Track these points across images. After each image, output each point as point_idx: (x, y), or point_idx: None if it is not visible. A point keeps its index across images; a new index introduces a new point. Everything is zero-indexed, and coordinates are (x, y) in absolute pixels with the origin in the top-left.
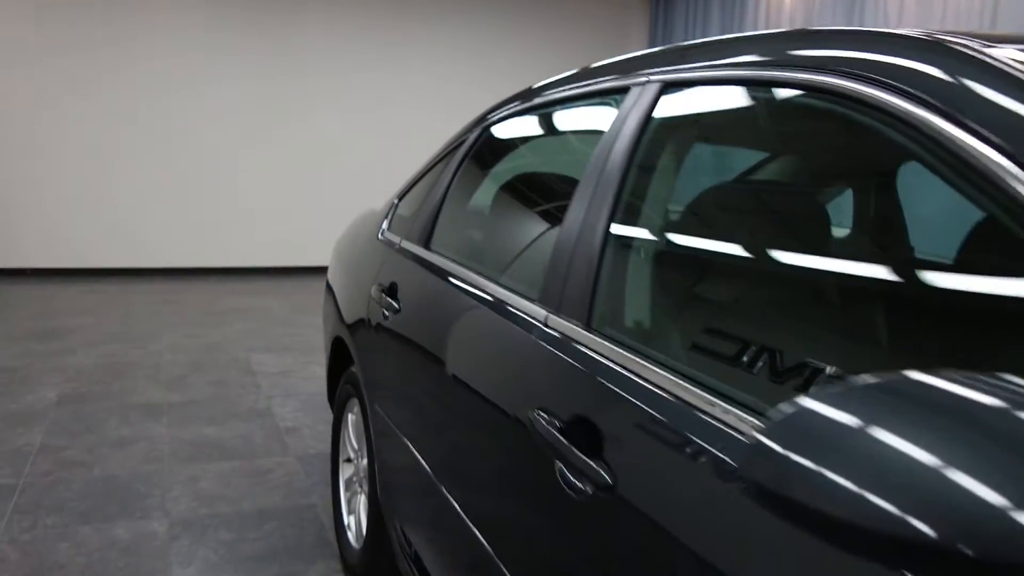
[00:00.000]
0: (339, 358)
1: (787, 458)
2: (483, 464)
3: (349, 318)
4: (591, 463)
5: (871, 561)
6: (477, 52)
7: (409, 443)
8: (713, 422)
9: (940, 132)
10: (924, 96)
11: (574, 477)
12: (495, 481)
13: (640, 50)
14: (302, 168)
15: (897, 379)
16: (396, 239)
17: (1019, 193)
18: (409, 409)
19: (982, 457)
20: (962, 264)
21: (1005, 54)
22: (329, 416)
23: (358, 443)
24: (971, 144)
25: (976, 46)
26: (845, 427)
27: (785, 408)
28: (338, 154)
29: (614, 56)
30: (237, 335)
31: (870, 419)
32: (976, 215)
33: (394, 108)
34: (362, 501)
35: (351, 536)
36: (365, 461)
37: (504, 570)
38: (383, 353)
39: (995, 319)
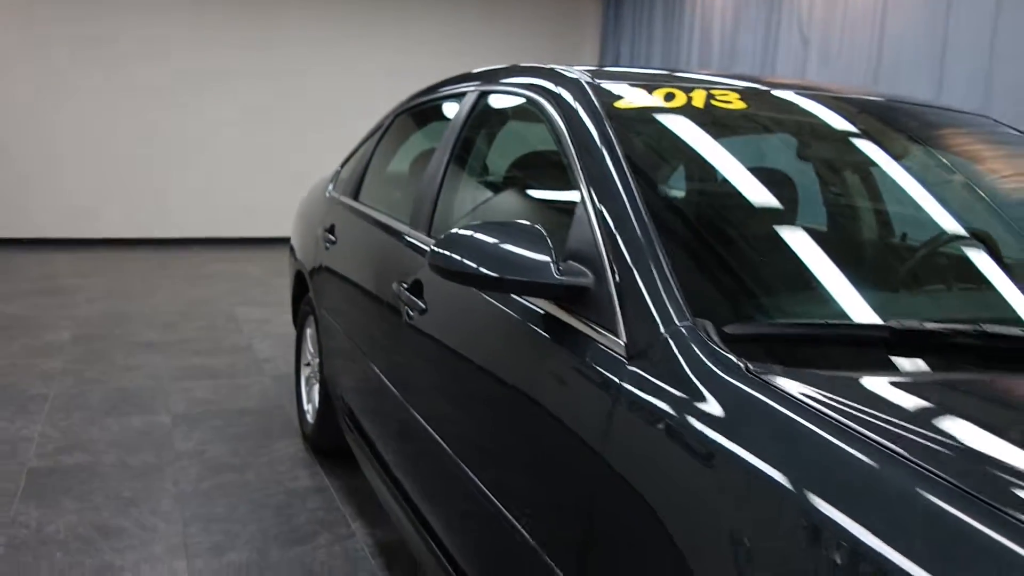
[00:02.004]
0: (299, 288)
1: (442, 252)
2: (378, 324)
3: (305, 255)
4: (416, 300)
5: (474, 285)
6: (436, 42)
7: (342, 329)
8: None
9: (553, 116)
10: (544, 97)
11: (411, 310)
12: (383, 332)
13: (588, 40)
14: (280, 147)
15: (495, 223)
16: (337, 194)
17: (565, 141)
18: (342, 307)
19: (510, 242)
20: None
21: (580, 69)
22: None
23: (314, 349)
24: (560, 123)
25: (581, 75)
26: (465, 235)
27: (449, 232)
28: (310, 134)
29: (564, 50)
30: (221, 293)
31: (476, 235)
32: (554, 157)
33: (355, 92)
34: (316, 389)
35: (308, 417)
36: (318, 360)
37: (382, 377)
38: (326, 273)
39: (558, 215)
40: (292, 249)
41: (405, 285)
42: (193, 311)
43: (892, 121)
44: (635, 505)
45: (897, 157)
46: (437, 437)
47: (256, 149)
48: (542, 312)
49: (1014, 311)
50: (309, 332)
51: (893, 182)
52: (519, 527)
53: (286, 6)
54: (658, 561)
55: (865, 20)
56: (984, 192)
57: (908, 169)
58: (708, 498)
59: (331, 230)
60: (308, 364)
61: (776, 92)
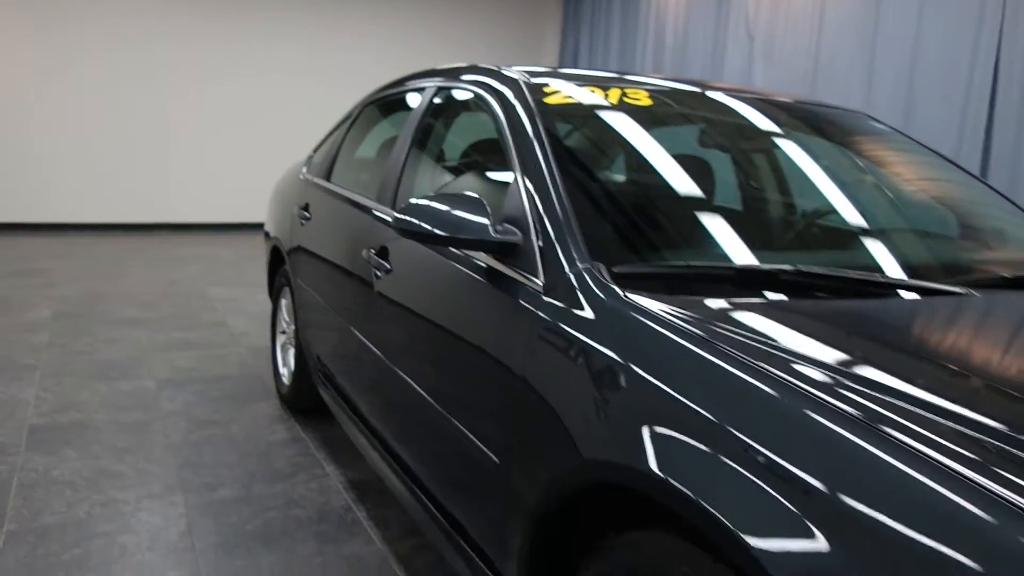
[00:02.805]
0: (275, 263)
1: (404, 217)
2: (350, 286)
3: (280, 231)
4: (383, 262)
5: (430, 243)
6: (403, 42)
7: (317, 295)
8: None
9: (495, 109)
10: (489, 93)
11: (379, 272)
12: (355, 293)
13: (549, 37)
14: (252, 134)
15: (446, 194)
16: (311, 176)
17: (502, 124)
18: (318, 276)
19: (458, 209)
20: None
21: (519, 69)
22: (267, 327)
23: (289, 318)
24: (500, 115)
25: (517, 75)
26: (423, 204)
27: (410, 201)
28: (280, 126)
29: (525, 50)
30: (194, 275)
31: (432, 204)
32: (492, 133)
33: (323, 87)
34: (291, 354)
35: (284, 379)
36: (293, 327)
37: (355, 332)
38: (302, 247)
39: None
40: (267, 227)
41: (373, 251)
42: (168, 291)
43: (772, 113)
44: (539, 395)
45: (774, 142)
46: (404, 376)
47: (228, 139)
48: (484, 265)
49: (848, 260)
50: (284, 303)
51: (766, 162)
52: (470, 435)
53: (263, 5)
54: (550, 430)
55: (805, 21)
56: (841, 169)
57: (781, 151)
58: (582, 376)
59: (306, 208)
60: (284, 332)
61: (679, 90)
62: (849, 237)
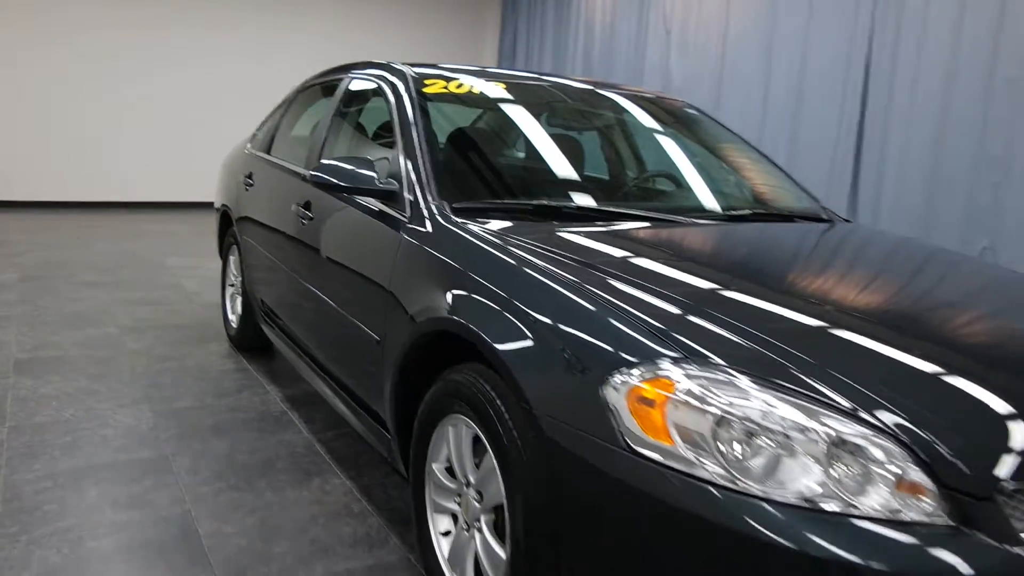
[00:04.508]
0: (224, 225)
1: (317, 173)
2: (284, 236)
3: (228, 197)
4: (307, 212)
5: (335, 191)
6: (344, 35)
7: (260, 247)
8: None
9: (388, 95)
10: (384, 83)
11: (304, 220)
12: (288, 240)
13: (490, 30)
14: (209, 117)
15: (348, 157)
16: (254, 150)
17: (394, 108)
18: (260, 231)
19: (355, 167)
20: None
21: (407, 65)
22: (219, 288)
23: (236, 271)
24: (391, 99)
25: (404, 68)
26: (331, 164)
27: (321, 162)
28: (232, 109)
29: (464, 48)
30: (151, 246)
31: (337, 163)
32: (384, 117)
33: (270, 74)
34: (238, 301)
35: (232, 324)
36: (240, 279)
37: (289, 271)
38: (245, 207)
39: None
40: (216, 196)
41: (300, 204)
42: (127, 260)
43: (598, 98)
44: (400, 290)
45: (593, 118)
46: (324, 296)
47: (187, 121)
48: (376, 209)
49: (630, 203)
50: (232, 259)
51: (583, 133)
52: (363, 327)
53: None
54: (395, 312)
55: (714, 17)
56: (638, 135)
57: (598, 124)
58: (423, 269)
59: (250, 176)
60: (232, 284)
61: (529, 82)
62: (614, 182)
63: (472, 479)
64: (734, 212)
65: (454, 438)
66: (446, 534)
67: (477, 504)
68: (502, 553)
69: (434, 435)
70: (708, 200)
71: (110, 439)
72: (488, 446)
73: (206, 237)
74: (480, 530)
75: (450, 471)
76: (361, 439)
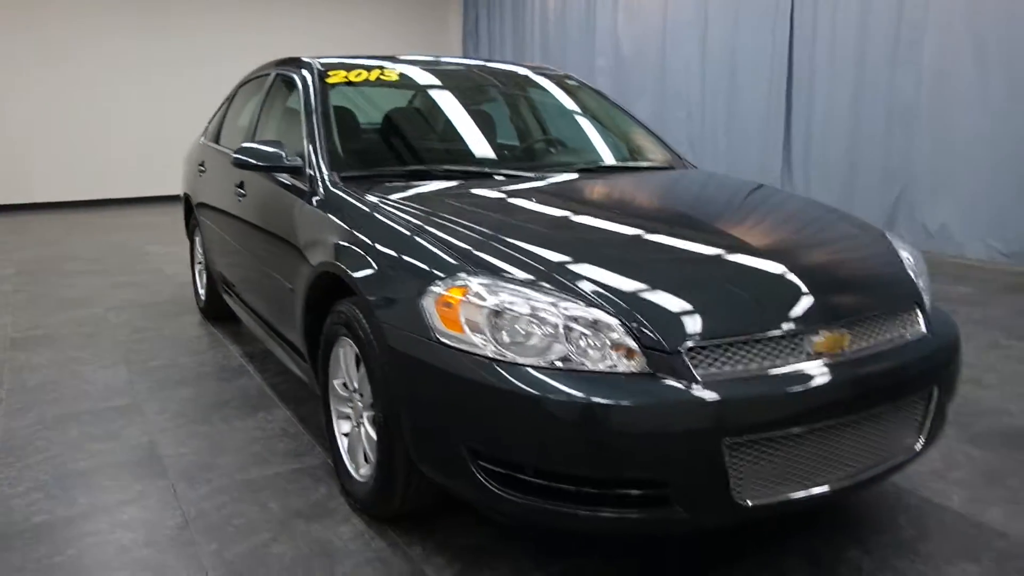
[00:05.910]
0: (188, 210)
1: (237, 155)
2: (228, 212)
3: (188, 184)
4: (241, 190)
5: (251, 169)
6: (320, 21)
7: (214, 226)
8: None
9: (298, 86)
10: (297, 76)
11: (240, 197)
12: (230, 215)
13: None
14: (188, 114)
15: (261, 140)
16: (205, 141)
17: (307, 96)
18: (211, 211)
19: (267, 147)
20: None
21: (316, 58)
22: None
23: (200, 250)
24: (300, 89)
25: (312, 61)
26: (249, 146)
27: (241, 145)
28: (210, 102)
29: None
30: (134, 237)
31: (254, 146)
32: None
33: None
34: (204, 276)
35: (201, 296)
36: (204, 257)
37: (233, 243)
38: (201, 191)
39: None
40: (181, 185)
41: (237, 184)
42: (113, 250)
43: (484, 76)
44: (303, 246)
45: (476, 94)
46: (256, 259)
47: (164, 119)
48: (288, 183)
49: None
50: (197, 239)
51: (470, 109)
52: (281, 279)
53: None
54: (301, 264)
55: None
56: (542, 112)
57: (493, 98)
58: (316, 227)
59: (202, 164)
60: (199, 262)
61: (426, 68)
62: (486, 146)
63: (357, 386)
64: (587, 166)
65: (344, 357)
66: (347, 434)
67: (360, 405)
68: (376, 437)
69: (331, 357)
70: (570, 157)
71: (91, 393)
72: (360, 355)
73: (182, 228)
74: (363, 425)
75: (345, 386)
76: (301, 380)
